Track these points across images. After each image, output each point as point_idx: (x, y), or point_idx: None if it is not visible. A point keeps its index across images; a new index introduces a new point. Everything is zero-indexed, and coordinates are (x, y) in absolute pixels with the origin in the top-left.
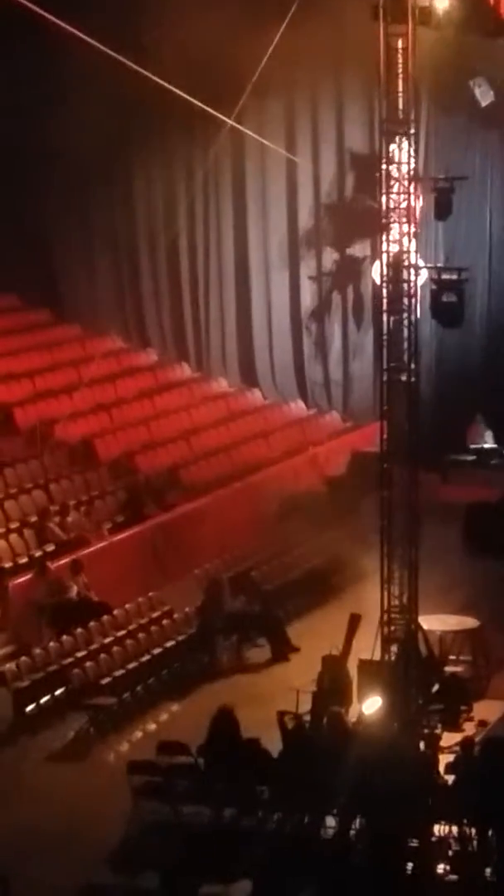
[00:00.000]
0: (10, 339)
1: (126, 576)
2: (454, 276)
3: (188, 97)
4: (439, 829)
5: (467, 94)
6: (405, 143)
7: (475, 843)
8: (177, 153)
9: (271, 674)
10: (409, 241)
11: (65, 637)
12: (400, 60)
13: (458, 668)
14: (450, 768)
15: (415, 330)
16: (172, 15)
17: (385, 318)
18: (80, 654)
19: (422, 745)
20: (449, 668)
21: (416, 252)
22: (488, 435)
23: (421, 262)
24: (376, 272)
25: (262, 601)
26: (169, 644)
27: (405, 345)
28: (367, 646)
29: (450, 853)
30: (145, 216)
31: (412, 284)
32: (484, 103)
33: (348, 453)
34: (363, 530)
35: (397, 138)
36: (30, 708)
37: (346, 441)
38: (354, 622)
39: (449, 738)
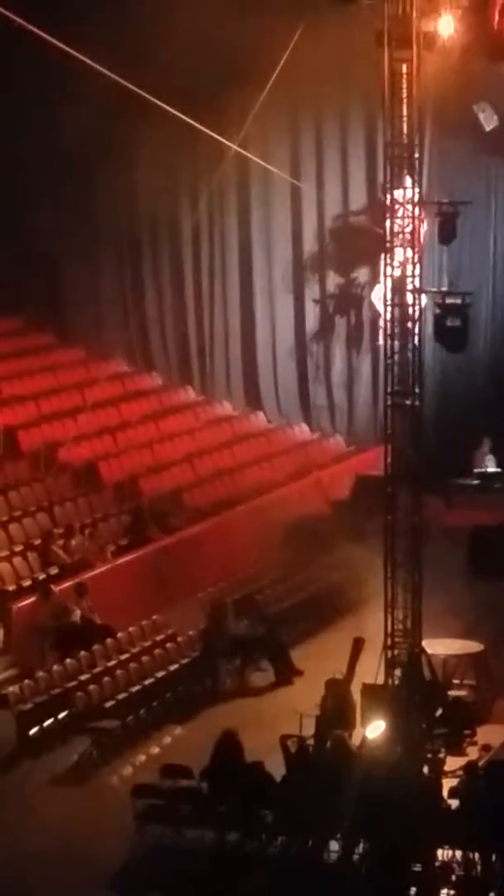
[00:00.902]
0: (14, 361)
1: (130, 599)
2: (458, 301)
3: (193, 122)
4: (443, 854)
5: (471, 118)
6: (409, 168)
7: (479, 867)
8: (181, 178)
9: (275, 697)
10: (413, 265)
11: (68, 660)
12: (404, 85)
13: (462, 692)
14: (453, 793)
15: (419, 354)
16: (178, 40)
17: (389, 342)
18: (83, 678)
19: (425, 770)
20: (452, 692)
21: (420, 276)
22: (489, 459)
23: (424, 287)
24: (375, 296)
25: (265, 625)
26: (172, 667)
27: (409, 369)
28: (371, 669)
29: (453, 878)
30: (150, 241)
31: (416, 309)
32: (488, 128)
33: (352, 477)
34: (367, 554)
35: (401, 163)
36: (33, 731)
37: (350, 465)
38: (358, 646)
39: (452, 763)
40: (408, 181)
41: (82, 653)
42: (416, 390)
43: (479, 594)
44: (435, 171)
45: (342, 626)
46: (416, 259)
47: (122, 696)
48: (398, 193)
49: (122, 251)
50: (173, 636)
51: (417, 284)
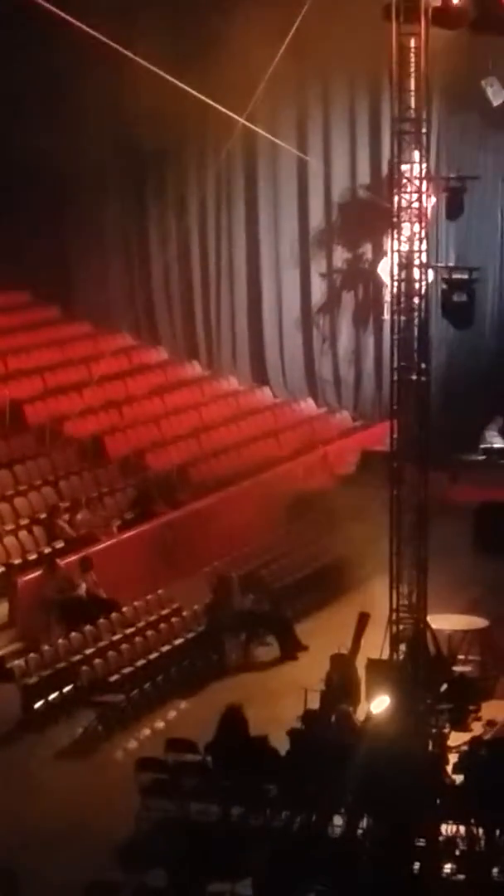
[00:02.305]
0: (20, 335)
1: (135, 573)
2: (465, 276)
3: (200, 96)
4: (447, 829)
5: (479, 93)
6: (416, 143)
7: (482, 842)
8: (189, 152)
9: (280, 672)
10: (420, 240)
11: (73, 634)
12: (412, 59)
13: (467, 668)
14: (458, 768)
15: (425, 330)
16: (185, 14)
17: (395, 317)
18: (88, 651)
19: (430, 745)
20: (457, 668)
21: (427, 251)
22: (491, 435)
23: (431, 262)
24: (382, 269)
25: (270, 599)
26: (177, 642)
27: (415, 344)
28: (376, 645)
29: (457, 853)
30: (157, 214)
31: (422, 284)
32: (496, 103)
33: (358, 452)
34: (372, 529)
35: (409, 137)
36: (38, 705)
37: (356, 440)
38: (363, 621)
39: (457, 738)
40: (415, 156)
41: (87, 627)
42: (423, 365)
43: (485, 570)
44: (442, 146)
45: (347, 601)
46: (423, 234)
47: (127, 670)
48: (405, 168)
49: (128, 225)
50: (178, 611)
51: (424, 260)
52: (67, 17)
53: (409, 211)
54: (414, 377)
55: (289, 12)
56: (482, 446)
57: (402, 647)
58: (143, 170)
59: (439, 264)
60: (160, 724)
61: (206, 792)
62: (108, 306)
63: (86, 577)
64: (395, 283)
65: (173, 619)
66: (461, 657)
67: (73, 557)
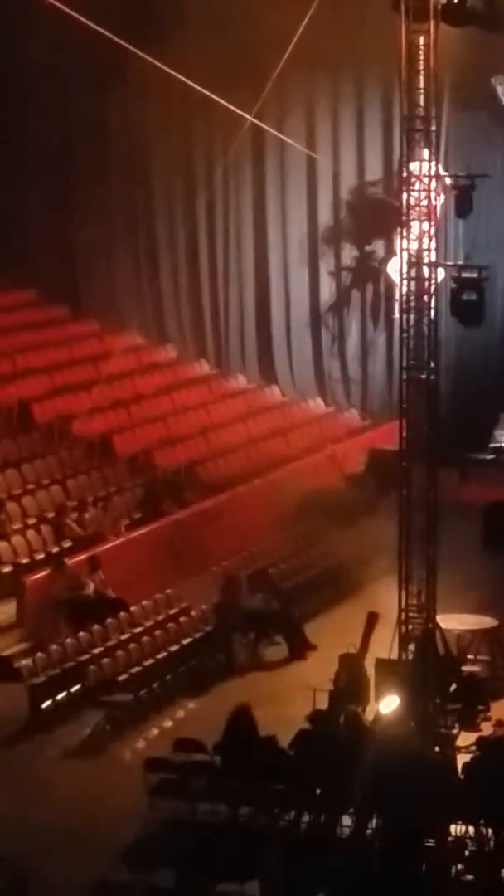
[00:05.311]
0: (28, 334)
1: (143, 572)
2: (474, 275)
3: (209, 93)
4: (456, 830)
5: (489, 91)
6: (426, 141)
7: (492, 843)
8: (197, 150)
9: (288, 672)
10: (429, 238)
11: (81, 633)
12: (421, 57)
13: (476, 668)
14: (466, 768)
15: (434, 328)
16: (194, 10)
17: (404, 316)
18: (96, 651)
19: (438, 745)
20: (466, 668)
21: (436, 250)
22: (501, 433)
23: (441, 260)
24: (392, 269)
25: (279, 599)
26: (186, 641)
27: (424, 343)
28: (385, 644)
29: (466, 853)
30: (165, 213)
31: (432, 282)
32: None
33: (367, 451)
34: (381, 529)
35: (418, 136)
36: (46, 704)
37: (364, 439)
38: (372, 621)
39: (466, 738)
40: (424, 154)
41: (95, 626)
42: (432, 364)
43: (494, 569)
44: (452, 144)
45: (356, 600)
46: (432, 232)
47: (135, 669)
48: (414, 166)
49: (136, 223)
50: (187, 610)
51: (433, 258)
52: (87, 21)
53: (418, 209)
54: (423, 376)
55: (298, 10)
56: (492, 445)
57: (411, 646)
58: (150, 167)
59: (449, 263)
60: (168, 724)
61: (214, 792)
62: (115, 305)
63: (94, 577)
64: (405, 282)
65: (181, 619)
66: (470, 657)
67: (81, 557)
